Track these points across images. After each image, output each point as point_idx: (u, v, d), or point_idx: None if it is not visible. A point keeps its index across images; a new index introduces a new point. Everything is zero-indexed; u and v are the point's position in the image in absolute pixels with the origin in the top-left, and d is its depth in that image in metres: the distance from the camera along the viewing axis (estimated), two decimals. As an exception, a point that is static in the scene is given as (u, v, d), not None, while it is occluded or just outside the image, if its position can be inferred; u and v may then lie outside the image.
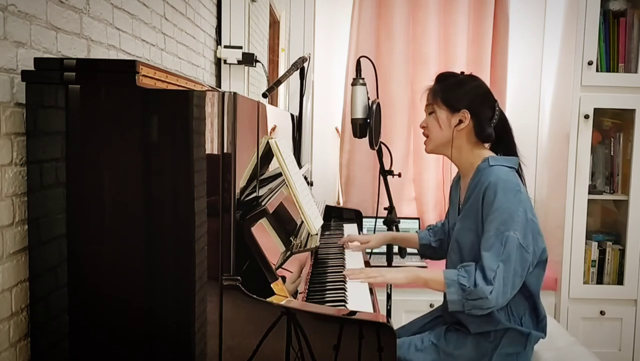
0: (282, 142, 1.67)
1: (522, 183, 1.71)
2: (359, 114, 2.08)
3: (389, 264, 2.24)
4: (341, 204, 3.22)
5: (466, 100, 1.69)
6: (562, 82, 2.93)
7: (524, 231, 1.57)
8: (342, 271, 1.79)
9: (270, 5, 3.12)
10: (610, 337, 2.91)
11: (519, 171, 1.73)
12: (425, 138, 1.79)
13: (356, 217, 2.64)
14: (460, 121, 1.69)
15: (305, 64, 2.52)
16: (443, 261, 1.89)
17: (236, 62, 2.62)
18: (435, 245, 2.01)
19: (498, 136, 1.73)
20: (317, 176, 3.19)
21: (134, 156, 1.20)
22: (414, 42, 3.12)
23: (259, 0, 2.93)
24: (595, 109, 2.80)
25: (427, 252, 2.05)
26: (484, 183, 1.62)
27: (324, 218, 2.26)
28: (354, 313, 1.30)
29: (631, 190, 2.83)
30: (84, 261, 1.20)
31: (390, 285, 2.26)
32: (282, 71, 3.17)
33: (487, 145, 1.76)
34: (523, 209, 1.58)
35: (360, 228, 2.56)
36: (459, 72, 1.78)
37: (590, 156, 2.83)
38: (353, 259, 1.99)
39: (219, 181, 1.20)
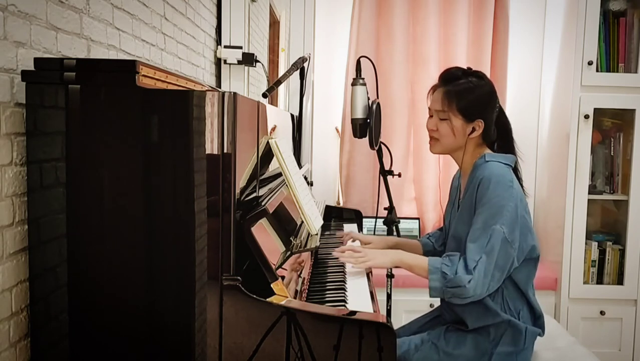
0: (282, 142, 1.67)
1: (520, 181, 1.71)
2: (359, 114, 2.08)
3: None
4: (341, 204, 3.22)
5: (480, 109, 1.69)
6: (562, 82, 2.93)
7: (512, 226, 1.58)
8: (342, 271, 1.80)
9: (270, 5, 3.12)
10: (610, 337, 2.91)
11: (516, 169, 1.73)
12: (429, 139, 1.78)
13: (356, 217, 2.64)
14: (474, 129, 1.70)
15: (305, 64, 2.52)
16: None
17: (236, 62, 2.61)
18: (441, 249, 1.97)
19: (497, 133, 1.74)
20: (317, 176, 3.19)
21: (134, 156, 1.20)
22: (414, 42, 3.12)
23: (259, 0, 2.93)
24: (595, 109, 2.80)
25: None
26: (479, 178, 1.64)
27: (324, 218, 2.26)
28: (354, 313, 1.30)
29: (631, 190, 2.83)
30: (84, 261, 1.20)
31: (391, 285, 2.26)
32: (282, 71, 3.17)
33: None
34: (514, 205, 1.59)
35: (360, 228, 2.56)
36: (465, 67, 1.75)
37: (590, 156, 2.83)
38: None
39: (219, 181, 1.20)
